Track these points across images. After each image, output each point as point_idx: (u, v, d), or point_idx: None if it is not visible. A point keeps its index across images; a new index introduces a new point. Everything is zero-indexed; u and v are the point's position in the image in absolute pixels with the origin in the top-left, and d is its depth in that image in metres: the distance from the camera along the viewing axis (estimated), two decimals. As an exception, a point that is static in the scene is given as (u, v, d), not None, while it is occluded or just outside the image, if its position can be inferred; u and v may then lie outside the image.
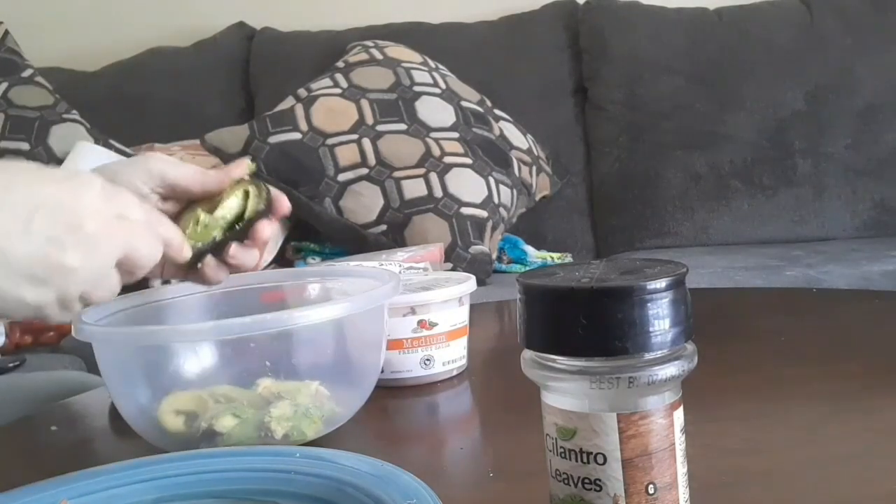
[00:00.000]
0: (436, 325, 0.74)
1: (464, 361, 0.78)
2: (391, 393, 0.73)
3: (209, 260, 0.62)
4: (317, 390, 0.63)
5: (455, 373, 0.77)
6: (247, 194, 0.64)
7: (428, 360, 0.75)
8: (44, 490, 0.50)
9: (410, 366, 0.74)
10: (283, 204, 0.65)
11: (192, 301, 0.72)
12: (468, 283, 0.77)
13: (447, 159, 1.80)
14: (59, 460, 0.66)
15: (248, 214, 0.63)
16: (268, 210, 0.63)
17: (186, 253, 0.61)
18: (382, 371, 0.70)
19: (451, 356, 0.76)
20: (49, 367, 1.28)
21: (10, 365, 1.27)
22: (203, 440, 0.60)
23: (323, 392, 0.63)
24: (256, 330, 0.58)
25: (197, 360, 0.64)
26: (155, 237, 0.58)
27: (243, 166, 0.66)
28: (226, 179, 0.64)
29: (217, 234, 0.62)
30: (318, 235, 1.83)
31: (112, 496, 0.50)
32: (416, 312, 0.74)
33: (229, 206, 0.63)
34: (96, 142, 1.97)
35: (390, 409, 0.72)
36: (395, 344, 0.73)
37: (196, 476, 0.51)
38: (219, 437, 0.59)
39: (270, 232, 0.63)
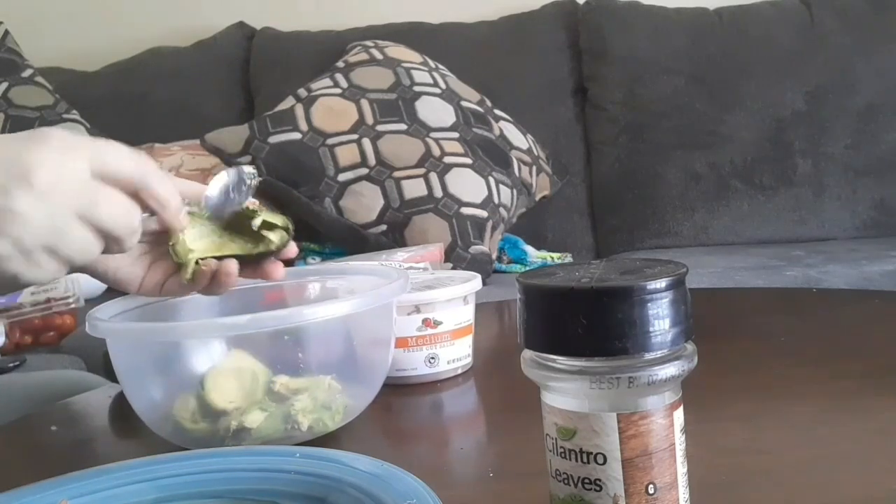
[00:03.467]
0: (440, 323, 0.74)
1: (469, 360, 0.78)
2: (395, 391, 0.73)
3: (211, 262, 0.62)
4: (329, 385, 0.64)
5: (460, 371, 0.77)
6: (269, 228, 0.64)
7: (432, 358, 0.75)
8: (44, 490, 0.50)
9: (415, 364, 0.74)
10: (292, 250, 0.65)
11: (199, 300, 0.72)
12: (473, 281, 0.77)
13: (447, 159, 1.80)
14: (59, 460, 0.66)
15: (265, 248, 0.63)
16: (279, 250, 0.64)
17: (184, 221, 0.59)
18: (387, 368, 0.71)
19: (455, 354, 0.76)
20: (49, 367, 1.28)
21: (10, 365, 1.27)
22: (231, 436, 0.60)
23: (335, 386, 0.64)
24: (273, 326, 0.59)
25: (210, 356, 0.64)
26: (126, 201, 0.55)
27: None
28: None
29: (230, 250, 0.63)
30: (318, 235, 1.83)
31: (112, 496, 0.50)
32: (421, 311, 0.74)
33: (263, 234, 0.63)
34: (96, 142, 1.97)
35: (394, 407, 0.72)
36: (399, 342, 0.73)
37: (196, 476, 0.51)
38: (246, 432, 0.60)
39: (282, 276, 0.65)
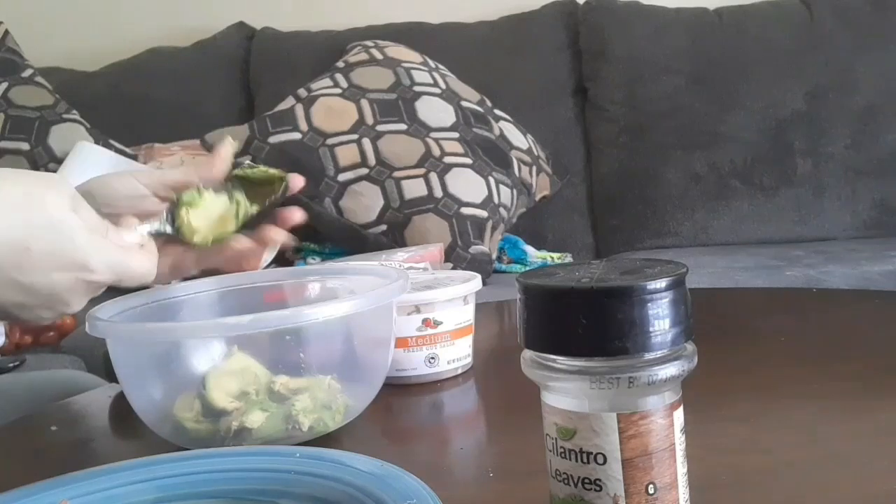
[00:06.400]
0: (440, 323, 0.74)
1: (469, 360, 0.78)
2: (395, 391, 0.73)
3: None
4: (330, 385, 0.64)
5: (460, 371, 0.77)
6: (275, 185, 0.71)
7: (432, 358, 0.74)
8: (44, 490, 0.50)
9: (415, 364, 0.74)
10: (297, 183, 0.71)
11: (200, 299, 0.72)
12: (473, 281, 0.77)
13: (447, 159, 1.80)
14: (59, 460, 0.66)
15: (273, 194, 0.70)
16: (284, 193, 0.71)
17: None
18: (387, 368, 0.71)
19: (455, 355, 0.76)
20: (49, 367, 1.28)
21: (10, 365, 1.27)
22: (233, 436, 0.60)
23: (335, 386, 0.64)
24: (275, 325, 0.59)
25: (210, 356, 0.64)
26: (148, 258, 0.63)
27: (228, 146, 0.70)
28: (220, 164, 0.69)
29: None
30: (318, 235, 1.83)
31: (112, 496, 0.50)
32: (421, 311, 0.74)
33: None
34: (96, 142, 1.97)
35: (394, 407, 0.72)
36: (399, 342, 0.73)
37: (196, 476, 0.51)
38: (247, 432, 0.60)
39: (300, 217, 0.73)
